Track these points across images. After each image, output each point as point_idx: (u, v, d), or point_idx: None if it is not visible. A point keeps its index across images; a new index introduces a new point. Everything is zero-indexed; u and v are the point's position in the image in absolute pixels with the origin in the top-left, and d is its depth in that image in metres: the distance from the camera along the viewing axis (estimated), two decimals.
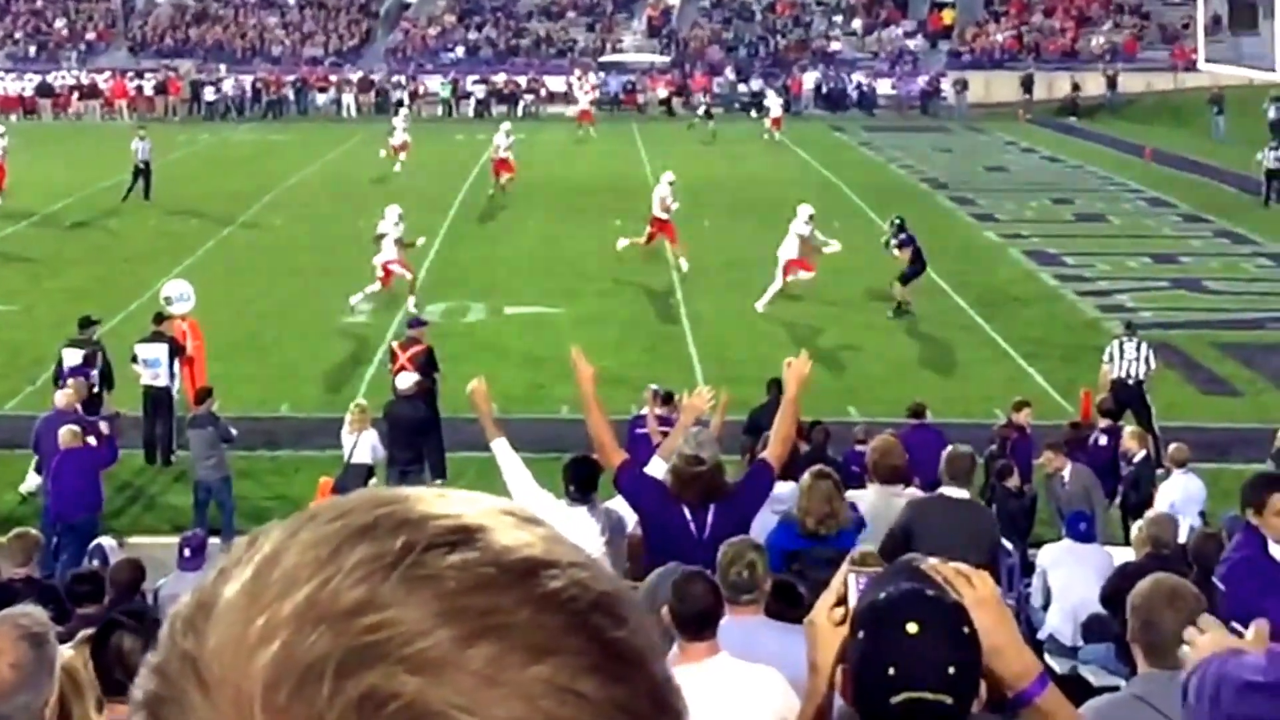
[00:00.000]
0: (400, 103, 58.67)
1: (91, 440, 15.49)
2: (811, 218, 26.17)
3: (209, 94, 61.69)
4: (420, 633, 0.80)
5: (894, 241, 25.78)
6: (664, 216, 28.69)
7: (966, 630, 2.75)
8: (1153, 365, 18.99)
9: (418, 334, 18.86)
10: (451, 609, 0.81)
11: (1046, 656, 10.35)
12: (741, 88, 63.20)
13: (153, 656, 0.86)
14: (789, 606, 6.63)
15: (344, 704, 0.78)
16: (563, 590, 0.84)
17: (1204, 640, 3.36)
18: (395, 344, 19.11)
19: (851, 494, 10.18)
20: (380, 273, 25.28)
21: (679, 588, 5.60)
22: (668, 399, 15.86)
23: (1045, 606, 11.58)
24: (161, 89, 62.39)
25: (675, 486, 7.98)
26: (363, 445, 16.12)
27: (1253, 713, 2.94)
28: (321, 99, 63.12)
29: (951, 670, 2.72)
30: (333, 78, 64.34)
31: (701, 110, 56.07)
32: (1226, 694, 3.04)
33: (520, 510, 0.90)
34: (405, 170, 41.51)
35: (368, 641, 0.79)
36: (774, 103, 54.18)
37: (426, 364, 18.13)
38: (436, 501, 0.88)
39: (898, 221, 26.67)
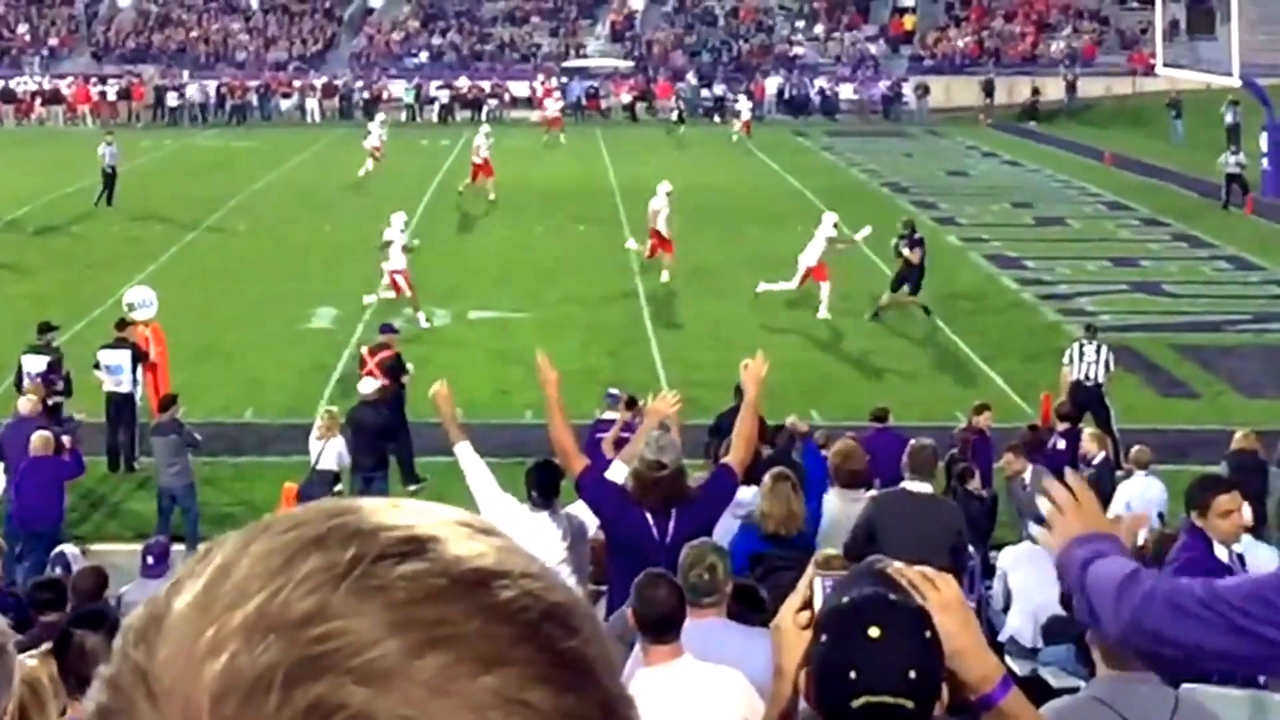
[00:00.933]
0: (373, 105, 58.77)
1: (63, 449, 15.49)
2: (837, 225, 26.22)
3: (172, 99, 61.42)
4: (369, 643, 0.79)
5: (905, 244, 25.73)
6: (659, 228, 28.51)
7: (928, 634, 2.76)
8: (1112, 368, 19.14)
9: (387, 340, 18.86)
10: (401, 619, 0.80)
11: (1007, 658, 10.43)
12: (705, 92, 63.29)
13: (104, 668, 0.85)
14: (750, 610, 6.67)
15: (291, 714, 0.77)
16: (514, 600, 0.83)
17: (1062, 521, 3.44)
18: (365, 349, 19.10)
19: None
20: (386, 280, 25.13)
21: (641, 590, 5.63)
22: (631, 404, 15.90)
23: (1006, 608, 11.65)
24: (125, 94, 62.08)
25: (637, 491, 7.98)
26: (329, 452, 16.14)
27: (1185, 638, 2.92)
28: (286, 104, 62.95)
29: (912, 674, 2.72)
30: (297, 83, 64.16)
31: (675, 115, 56.29)
32: (1159, 610, 3.04)
33: (475, 521, 0.90)
34: (370, 175, 41.41)
35: (316, 652, 0.79)
36: (744, 106, 54.40)
37: (394, 370, 18.13)
38: (390, 512, 0.87)
39: (909, 223, 26.72)
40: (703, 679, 5.48)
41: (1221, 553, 7.40)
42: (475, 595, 0.83)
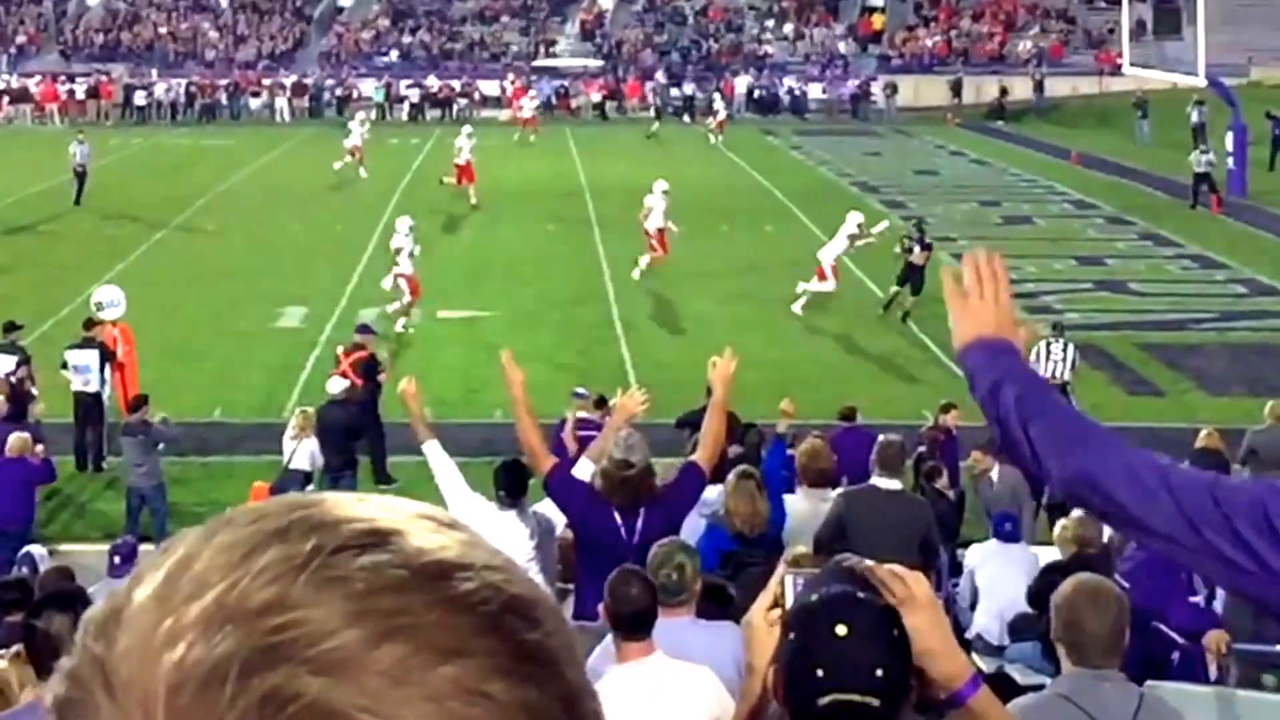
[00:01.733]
0: (345, 104, 58.72)
1: (36, 454, 15.49)
2: (860, 224, 26.24)
3: (140, 98, 61.16)
4: (327, 633, 0.79)
5: (915, 244, 25.72)
6: (660, 225, 28.47)
7: (896, 633, 2.76)
8: (1077, 366, 19.26)
9: (363, 340, 18.85)
10: (360, 610, 0.80)
11: (974, 656, 10.51)
12: (675, 91, 63.35)
13: (65, 660, 0.85)
14: (719, 607, 6.71)
15: (245, 705, 0.77)
16: (475, 592, 0.83)
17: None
18: (340, 349, 19.08)
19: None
20: (402, 284, 25.01)
21: (614, 588, 5.64)
22: (600, 402, 15.93)
23: (973, 606, 11.73)
24: (93, 93, 61.80)
25: (605, 490, 7.99)
26: (302, 452, 16.15)
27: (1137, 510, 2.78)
28: (255, 103, 62.77)
29: (880, 673, 2.72)
30: (266, 81, 63.97)
31: (653, 113, 56.50)
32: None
33: (440, 515, 0.89)
34: (346, 174, 41.30)
35: (273, 642, 0.79)
36: (719, 104, 54.61)
37: (367, 370, 18.12)
38: (354, 506, 0.87)
39: (919, 224, 26.77)
40: (674, 676, 5.50)
41: None
42: (436, 587, 0.82)
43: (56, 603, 5.70)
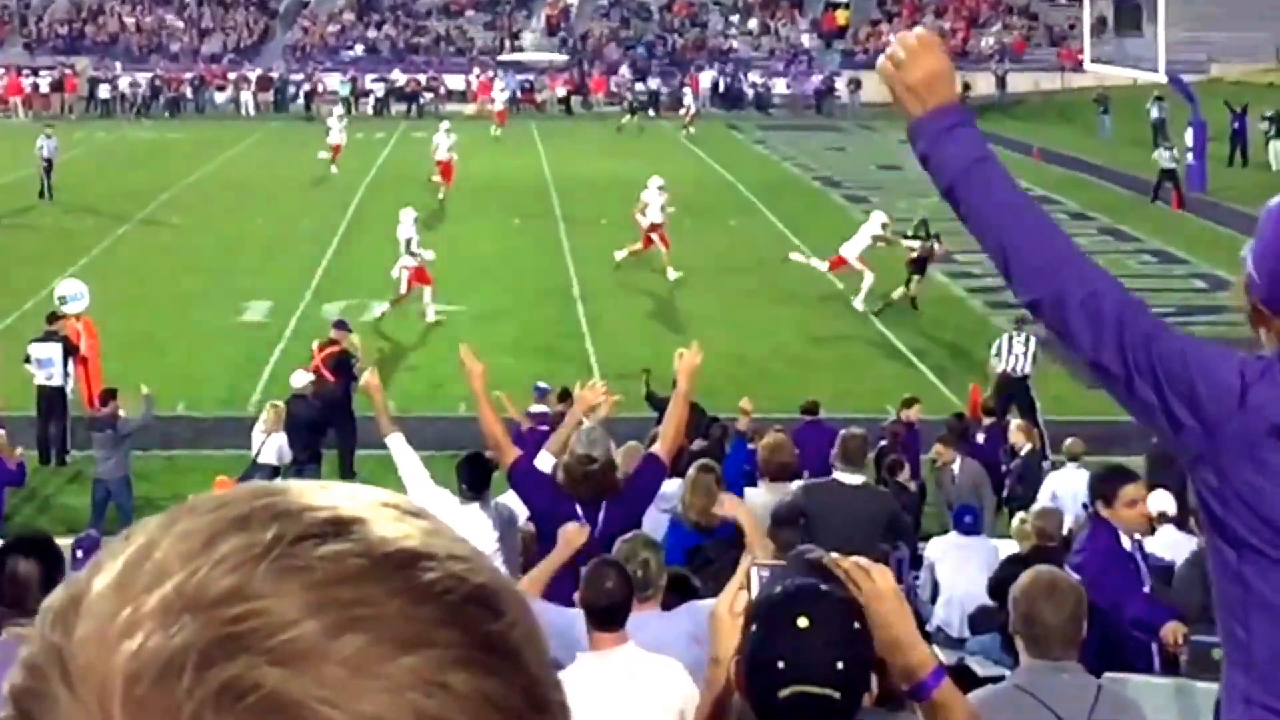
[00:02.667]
0: (311, 99, 58.58)
1: (15, 456, 15.47)
2: (885, 225, 26.27)
3: (104, 91, 60.82)
4: (287, 623, 0.78)
5: (923, 241, 25.73)
6: (658, 220, 28.40)
7: (857, 626, 2.80)
8: (1039, 360, 19.40)
9: (338, 336, 18.90)
10: (320, 600, 0.79)
11: (934, 648, 10.60)
12: (640, 86, 63.37)
13: (23, 651, 0.84)
14: (681, 599, 6.75)
15: (202, 695, 0.76)
16: (437, 582, 0.82)
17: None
18: (316, 344, 19.10)
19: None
20: (403, 275, 25.01)
21: (590, 578, 5.63)
22: (564, 395, 15.98)
23: (933, 599, 11.83)
24: (58, 86, 61.46)
25: (568, 483, 7.97)
26: (270, 446, 16.19)
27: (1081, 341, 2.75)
28: (220, 97, 62.54)
29: (840, 665, 2.77)
30: (231, 75, 63.74)
31: (626, 107, 56.61)
32: None
33: (404, 503, 0.88)
34: (327, 169, 41.15)
35: (231, 632, 0.77)
36: (689, 99, 54.78)
37: (338, 366, 18.12)
38: (317, 494, 0.86)
39: (924, 222, 26.81)
40: (645, 668, 5.54)
41: (1128, 543, 7.50)
42: (397, 576, 0.81)
43: (23, 548, 5.61)
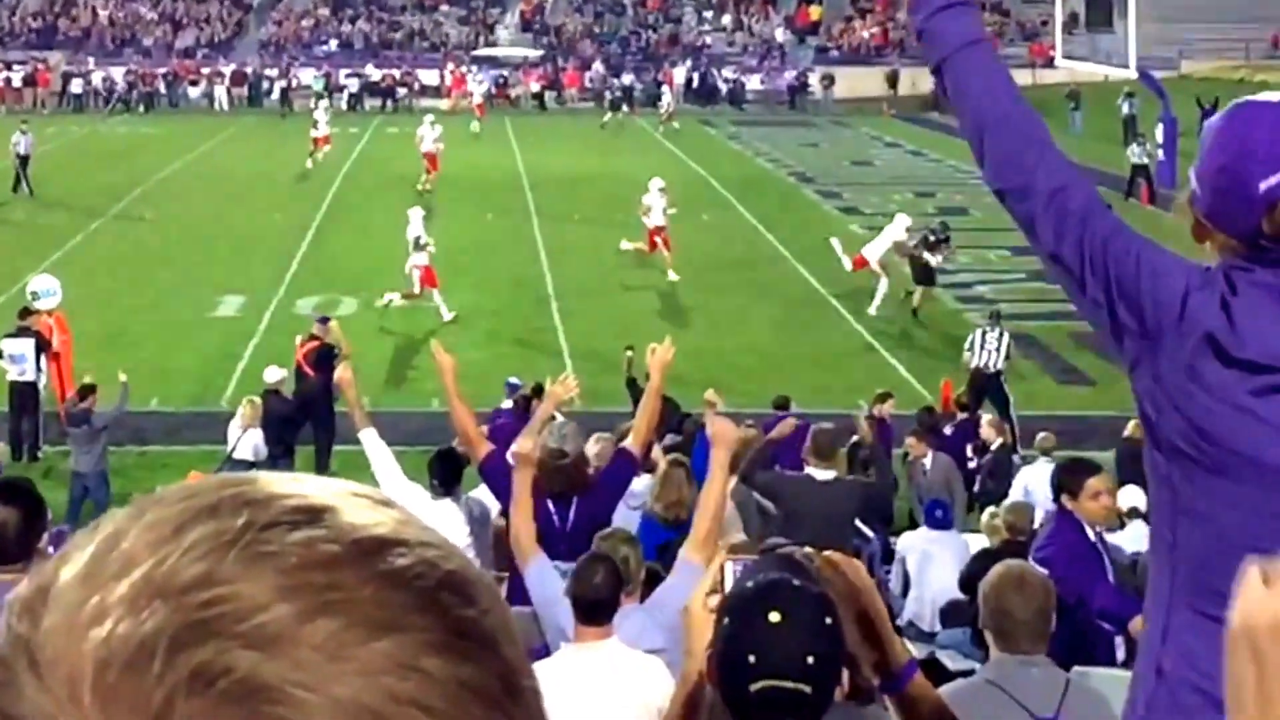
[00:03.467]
0: (288, 94, 58.43)
1: None
2: (909, 228, 26.27)
3: (77, 86, 60.53)
4: (258, 607, 0.77)
5: (936, 243, 25.74)
6: (661, 223, 28.28)
7: (829, 621, 2.80)
8: (1011, 356, 19.51)
9: (319, 331, 18.92)
10: (292, 585, 0.78)
11: (906, 642, 10.66)
12: (614, 81, 63.38)
13: None
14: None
15: (174, 681, 0.75)
16: (409, 568, 0.81)
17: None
18: (300, 338, 19.13)
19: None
20: (415, 274, 24.96)
21: (579, 572, 5.65)
22: (538, 390, 15.99)
23: (905, 593, 11.90)
24: (30, 81, 61.12)
25: (539, 478, 8.06)
26: (246, 442, 16.20)
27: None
28: (194, 92, 62.34)
29: (811, 660, 2.76)
30: (204, 70, 63.53)
31: (607, 104, 56.61)
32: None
33: (374, 493, 0.88)
34: (314, 162, 41.01)
35: (202, 617, 0.77)
36: (667, 94, 54.93)
37: (319, 361, 18.12)
38: (287, 483, 0.85)
39: (944, 224, 26.80)
40: (627, 664, 5.55)
41: (1091, 535, 7.56)
42: (369, 562, 0.81)
43: (2, 495, 5.45)
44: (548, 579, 6.50)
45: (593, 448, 9.24)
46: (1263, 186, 2.55)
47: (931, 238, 25.87)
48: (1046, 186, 2.78)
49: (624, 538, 6.68)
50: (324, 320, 19.63)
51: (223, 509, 0.82)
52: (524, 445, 7.35)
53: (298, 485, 0.85)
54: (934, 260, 25.56)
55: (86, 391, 16.71)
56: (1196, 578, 2.62)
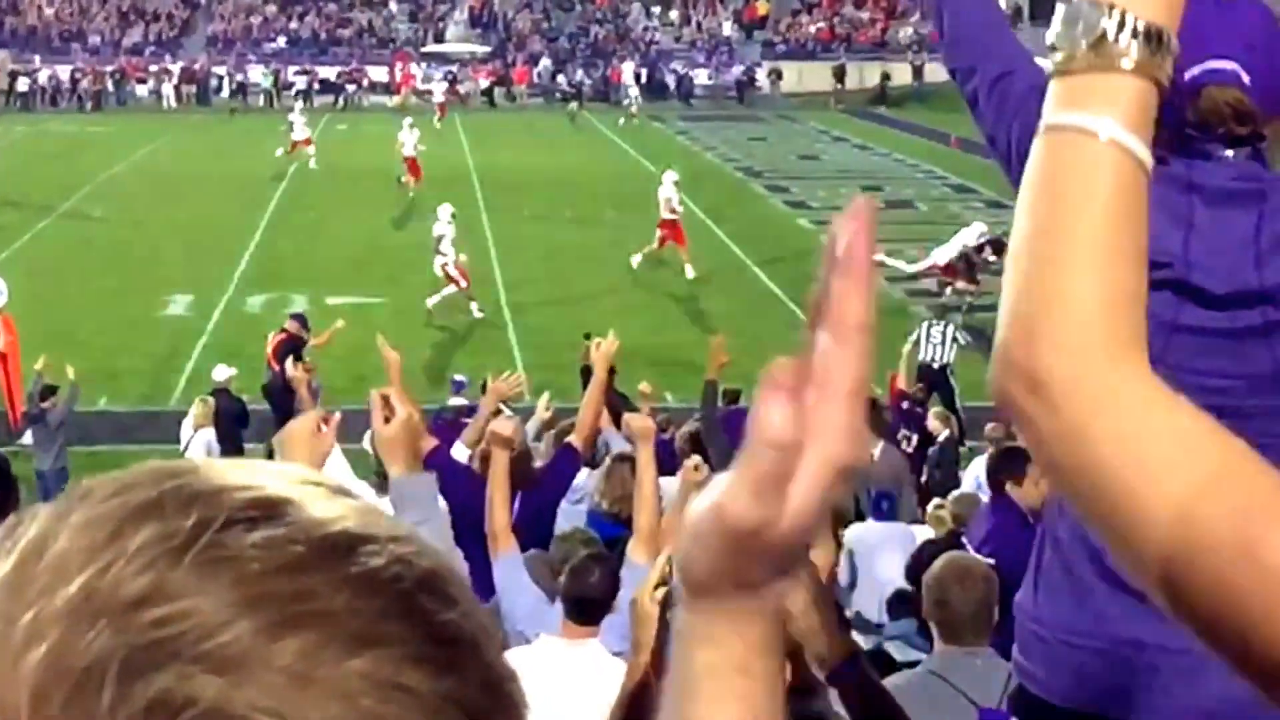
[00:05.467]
0: (237, 92, 58.20)
1: None
2: (983, 233, 26.15)
3: (23, 84, 60.03)
4: (219, 624, 0.68)
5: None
6: (671, 217, 28.05)
7: None
8: (961, 343, 19.65)
9: (290, 326, 18.95)
10: (255, 595, 0.69)
11: (853, 634, 10.74)
12: (561, 78, 63.37)
13: None
14: None
15: (129, 713, 0.67)
16: (383, 569, 0.73)
17: None
18: (272, 334, 19.18)
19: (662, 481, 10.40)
20: (455, 274, 24.90)
21: (576, 571, 5.65)
22: (486, 388, 16.02)
23: (852, 585, 11.97)
24: None
25: (484, 472, 8.03)
26: (198, 442, 16.19)
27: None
28: (141, 90, 61.96)
29: None
30: (152, 68, 63.14)
31: (560, 96, 56.58)
32: None
33: (327, 480, 0.79)
34: (290, 163, 40.81)
35: (157, 637, 0.68)
36: (633, 89, 55.23)
37: (284, 355, 18.14)
38: (233, 472, 0.76)
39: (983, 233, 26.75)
40: (609, 666, 5.55)
41: (1030, 521, 7.63)
42: (339, 564, 0.72)
43: None
44: (518, 572, 6.51)
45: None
46: (1188, 75, 2.60)
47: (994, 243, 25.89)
48: (993, 69, 2.87)
49: (584, 539, 6.70)
50: (297, 318, 19.66)
51: (167, 506, 0.73)
52: (502, 425, 7.32)
53: (246, 474, 0.76)
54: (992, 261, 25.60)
55: (48, 392, 16.76)
56: None
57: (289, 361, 16.77)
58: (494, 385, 9.50)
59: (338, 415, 3.99)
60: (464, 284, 24.92)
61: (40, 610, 0.69)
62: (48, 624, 0.69)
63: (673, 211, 28.11)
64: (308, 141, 41.55)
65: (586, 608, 5.60)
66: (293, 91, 60.47)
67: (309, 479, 0.78)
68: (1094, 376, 1.12)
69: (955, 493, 12.60)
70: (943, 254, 26.08)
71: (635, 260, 27.87)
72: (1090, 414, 1.10)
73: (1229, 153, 2.61)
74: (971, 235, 26.10)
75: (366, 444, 9.64)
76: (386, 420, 3.99)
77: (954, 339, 19.69)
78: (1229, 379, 2.53)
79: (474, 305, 24.92)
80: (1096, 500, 1.10)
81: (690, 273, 27.65)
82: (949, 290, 25.77)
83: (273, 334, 19.13)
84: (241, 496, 0.74)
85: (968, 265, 25.70)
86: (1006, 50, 2.91)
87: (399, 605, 0.73)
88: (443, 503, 8.75)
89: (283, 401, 17.70)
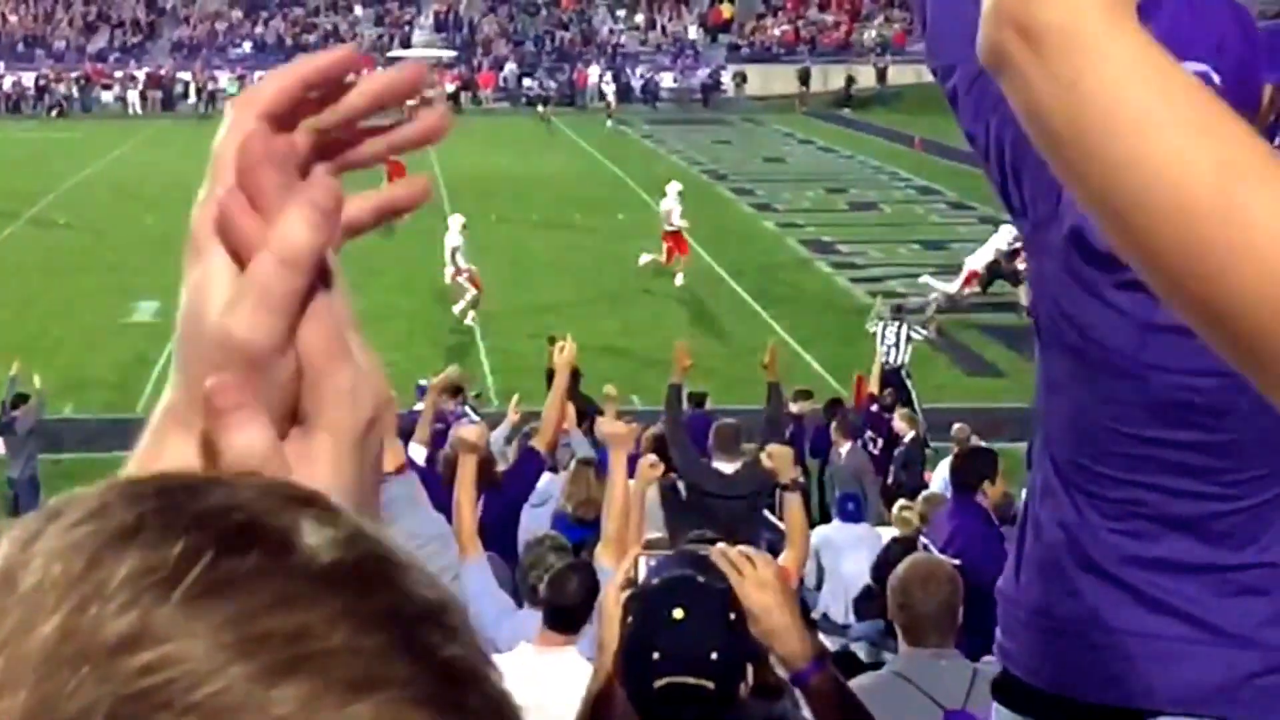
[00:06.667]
0: (202, 95, 57.92)
1: None
2: (1014, 239, 26.08)
3: None
4: (211, 670, 0.61)
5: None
6: (671, 229, 27.97)
7: (733, 616, 2.81)
8: (915, 337, 19.75)
9: None
10: (249, 636, 0.62)
11: (820, 635, 10.79)
12: (527, 81, 63.37)
13: None
14: None
15: None
16: (384, 600, 0.66)
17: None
18: None
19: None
20: (463, 278, 24.92)
21: (555, 579, 5.64)
22: (455, 391, 16.05)
23: (818, 586, 12.03)
24: None
25: (447, 476, 8.01)
26: None
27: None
28: (106, 96, 61.72)
29: (714, 656, 2.77)
30: (117, 74, 62.89)
31: (525, 101, 56.53)
32: None
33: (308, 493, 0.71)
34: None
35: (144, 686, 0.61)
36: (609, 91, 54.98)
37: None
38: (211, 490, 0.69)
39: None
40: (584, 675, 5.55)
41: (995, 520, 7.69)
42: (337, 596, 0.65)
43: None
44: (487, 578, 6.52)
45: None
46: None
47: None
48: (973, 67, 2.91)
49: (552, 546, 6.70)
50: None
51: (147, 530, 0.65)
52: (468, 431, 7.32)
53: (226, 492, 0.69)
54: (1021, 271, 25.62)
55: (19, 400, 16.78)
56: (1060, 450, 2.80)
57: None
58: (434, 384, 9.56)
59: None
60: (476, 291, 24.87)
61: (12, 655, 0.62)
62: (22, 670, 0.61)
63: (672, 224, 28.06)
64: None
65: (565, 616, 5.57)
66: None
67: (297, 495, 0.70)
68: (1089, 29, 1.08)
69: (925, 493, 12.67)
70: (977, 260, 26.02)
71: (643, 260, 27.80)
72: (1084, 66, 1.07)
73: None
74: (1004, 239, 25.79)
75: None
76: None
77: (908, 338, 19.79)
78: (1203, 377, 2.59)
79: (471, 314, 24.86)
80: (1083, 161, 1.07)
81: (679, 280, 27.62)
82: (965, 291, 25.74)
83: None
84: (229, 520, 0.66)
85: (990, 272, 25.70)
86: None
87: (401, 642, 0.66)
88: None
89: None
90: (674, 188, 28.61)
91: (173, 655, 0.61)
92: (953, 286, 25.92)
